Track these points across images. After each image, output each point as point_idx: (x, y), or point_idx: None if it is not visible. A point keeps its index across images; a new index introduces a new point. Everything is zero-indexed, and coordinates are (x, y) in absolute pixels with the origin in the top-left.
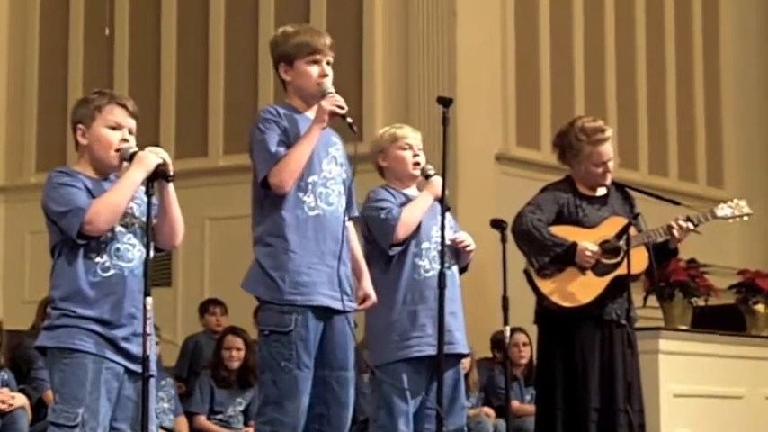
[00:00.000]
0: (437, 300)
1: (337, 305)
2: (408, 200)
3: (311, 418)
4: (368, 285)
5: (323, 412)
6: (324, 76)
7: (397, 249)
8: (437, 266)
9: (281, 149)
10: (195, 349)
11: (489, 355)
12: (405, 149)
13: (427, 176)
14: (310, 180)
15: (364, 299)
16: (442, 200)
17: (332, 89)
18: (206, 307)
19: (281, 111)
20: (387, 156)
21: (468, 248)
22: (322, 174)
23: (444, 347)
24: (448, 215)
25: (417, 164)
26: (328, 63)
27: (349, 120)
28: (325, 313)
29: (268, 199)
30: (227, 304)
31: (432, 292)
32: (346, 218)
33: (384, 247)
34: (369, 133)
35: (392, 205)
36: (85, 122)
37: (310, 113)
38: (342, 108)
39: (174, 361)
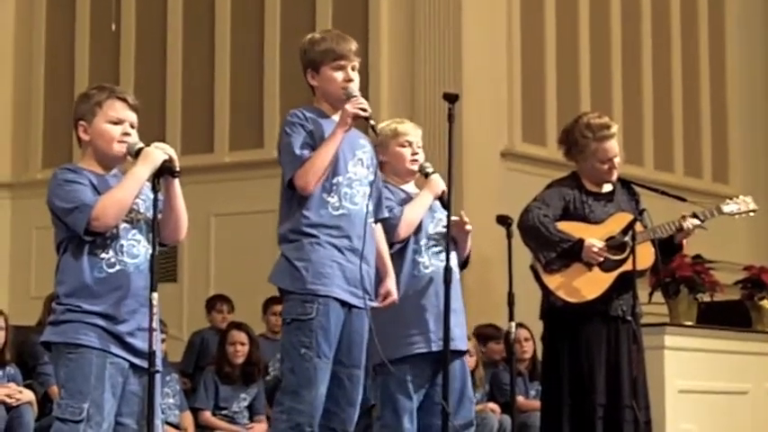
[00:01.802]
0: (437, 296)
1: (356, 302)
2: (408, 196)
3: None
4: (391, 284)
5: (332, 409)
6: (349, 80)
7: (396, 247)
8: (436, 263)
9: (306, 152)
10: (202, 345)
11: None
12: (404, 146)
13: (426, 175)
14: (335, 181)
15: (386, 296)
16: (444, 197)
17: (357, 92)
18: (213, 303)
19: (308, 114)
20: (386, 151)
21: (467, 227)
22: (347, 174)
23: (441, 344)
24: (445, 212)
25: (415, 161)
26: (353, 68)
27: (372, 122)
28: (345, 308)
29: (295, 198)
30: (233, 300)
31: (431, 288)
32: (371, 218)
33: None
34: None
35: (393, 203)
36: (87, 118)
37: (337, 117)
38: (365, 110)
39: (180, 357)
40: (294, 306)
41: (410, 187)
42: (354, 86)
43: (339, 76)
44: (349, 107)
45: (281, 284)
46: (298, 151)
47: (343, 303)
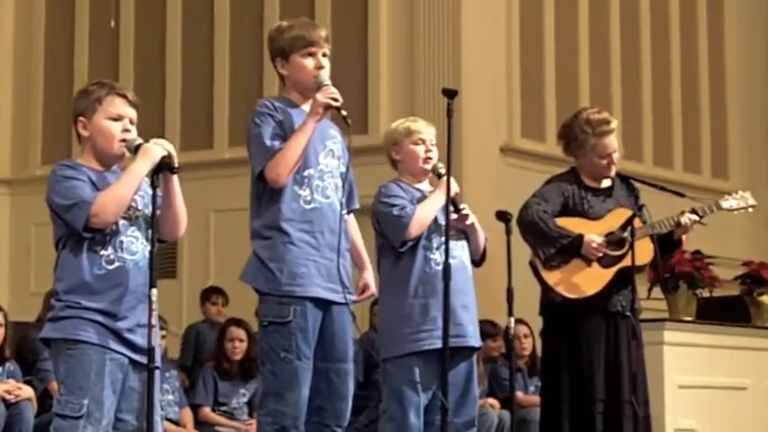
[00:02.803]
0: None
1: (336, 297)
2: (422, 194)
3: (311, 411)
4: (369, 277)
5: (322, 405)
6: (319, 68)
7: (406, 246)
8: (449, 259)
9: (276, 143)
10: (197, 339)
11: None
12: (418, 144)
13: (439, 176)
14: (306, 173)
15: (363, 290)
16: (456, 199)
17: (328, 81)
18: (207, 296)
19: (277, 104)
20: (400, 149)
21: (468, 220)
22: (318, 167)
23: (455, 340)
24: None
25: (429, 159)
26: (324, 55)
27: (344, 112)
28: (324, 305)
29: (266, 192)
30: (232, 296)
31: (442, 285)
32: (344, 210)
33: (394, 243)
34: (374, 125)
35: (405, 202)
36: (86, 115)
37: (307, 106)
38: (336, 100)
39: (178, 353)
40: (270, 308)
41: (424, 186)
42: (325, 74)
43: (310, 63)
44: (320, 97)
45: (254, 284)
46: (268, 142)
47: (321, 301)
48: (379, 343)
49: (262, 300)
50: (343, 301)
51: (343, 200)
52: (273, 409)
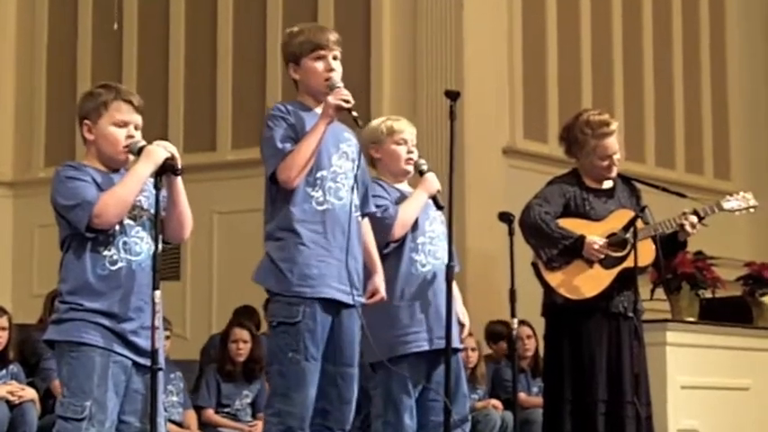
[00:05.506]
0: (434, 294)
1: (346, 299)
2: (402, 195)
3: (315, 413)
4: (379, 280)
5: (326, 407)
6: (330, 70)
7: (390, 248)
8: (433, 261)
9: (288, 145)
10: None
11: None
12: (400, 144)
13: (421, 172)
14: (319, 175)
15: (373, 293)
16: (438, 197)
17: (340, 84)
18: None
19: (290, 107)
20: (380, 148)
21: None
22: (332, 168)
23: (441, 342)
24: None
25: (410, 160)
26: (335, 58)
27: (354, 113)
28: (334, 307)
29: (279, 194)
30: (235, 299)
31: (428, 286)
32: (357, 213)
33: (378, 245)
34: None
35: (388, 202)
36: (92, 118)
37: (320, 109)
38: (347, 102)
39: (183, 355)
40: (280, 309)
41: (404, 186)
42: (337, 77)
43: (320, 66)
44: (331, 99)
45: (265, 285)
46: (279, 144)
47: (332, 302)
48: (366, 346)
49: (272, 300)
50: (352, 302)
51: (357, 202)
52: (279, 409)
